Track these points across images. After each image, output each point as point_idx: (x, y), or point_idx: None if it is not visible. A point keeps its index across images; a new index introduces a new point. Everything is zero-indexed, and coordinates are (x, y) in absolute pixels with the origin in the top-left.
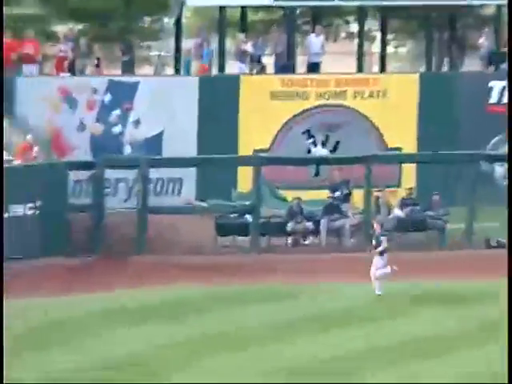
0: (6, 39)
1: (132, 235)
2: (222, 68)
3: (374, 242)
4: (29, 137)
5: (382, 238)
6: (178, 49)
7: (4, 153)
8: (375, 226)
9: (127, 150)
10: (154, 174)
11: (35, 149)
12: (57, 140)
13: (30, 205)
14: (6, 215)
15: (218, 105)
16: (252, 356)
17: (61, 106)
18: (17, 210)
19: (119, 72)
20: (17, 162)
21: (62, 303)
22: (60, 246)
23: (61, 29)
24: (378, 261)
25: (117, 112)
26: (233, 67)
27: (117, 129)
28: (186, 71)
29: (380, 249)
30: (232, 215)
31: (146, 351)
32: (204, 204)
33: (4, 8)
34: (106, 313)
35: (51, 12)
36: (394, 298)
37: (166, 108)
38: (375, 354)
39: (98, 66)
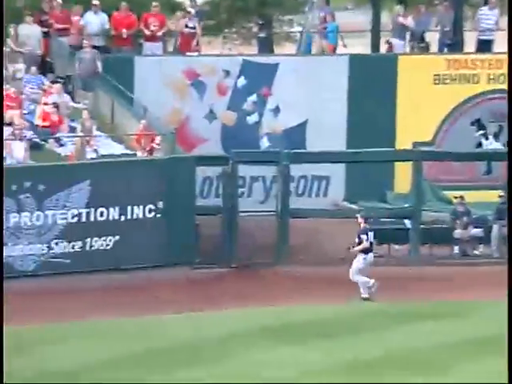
0: (122, 13)
1: (270, 243)
2: (375, 47)
3: (356, 239)
4: (143, 122)
5: (364, 235)
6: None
7: (120, 145)
8: (359, 220)
9: (264, 142)
10: (295, 171)
11: (156, 140)
12: (182, 131)
13: (151, 206)
14: (122, 218)
15: (372, 90)
16: None
17: (187, 91)
18: (135, 212)
19: (255, 51)
20: (139, 154)
21: (191, 321)
22: (186, 254)
23: (188, 1)
24: (357, 260)
25: (252, 98)
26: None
27: (252, 118)
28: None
29: (359, 247)
30: (387, 220)
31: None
32: (354, 206)
33: None
34: (241, 332)
35: None
36: None
37: (310, 93)
38: None
39: None
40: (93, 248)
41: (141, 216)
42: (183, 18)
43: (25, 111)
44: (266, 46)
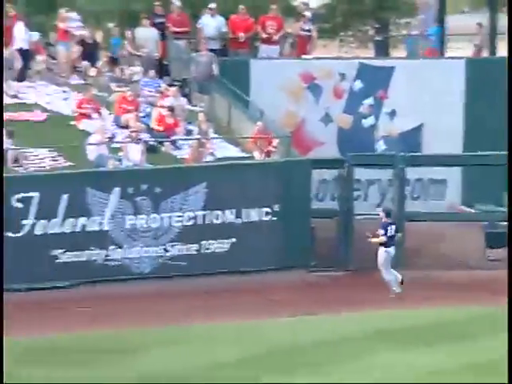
0: (238, 13)
1: None
2: (493, 49)
3: (379, 231)
4: (259, 124)
5: (383, 230)
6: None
7: (236, 148)
8: (380, 214)
9: (380, 145)
10: (412, 174)
11: (274, 143)
12: (298, 133)
13: (267, 209)
14: (238, 221)
15: (488, 93)
16: None
17: (303, 94)
18: (251, 215)
19: (371, 54)
20: (256, 157)
21: (307, 323)
22: (301, 257)
23: (304, 4)
24: (381, 253)
25: (369, 101)
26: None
27: (368, 121)
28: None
29: (376, 239)
30: (504, 223)
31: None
32: (471, 210)
33: None
34: (356, 335)
35: None
36: None
37: (426, 97)
38: None
39: None
40: (209, 250)
41: (257, 219)
42: (299, 21)
43: (141, 114)
44: (382, 49)
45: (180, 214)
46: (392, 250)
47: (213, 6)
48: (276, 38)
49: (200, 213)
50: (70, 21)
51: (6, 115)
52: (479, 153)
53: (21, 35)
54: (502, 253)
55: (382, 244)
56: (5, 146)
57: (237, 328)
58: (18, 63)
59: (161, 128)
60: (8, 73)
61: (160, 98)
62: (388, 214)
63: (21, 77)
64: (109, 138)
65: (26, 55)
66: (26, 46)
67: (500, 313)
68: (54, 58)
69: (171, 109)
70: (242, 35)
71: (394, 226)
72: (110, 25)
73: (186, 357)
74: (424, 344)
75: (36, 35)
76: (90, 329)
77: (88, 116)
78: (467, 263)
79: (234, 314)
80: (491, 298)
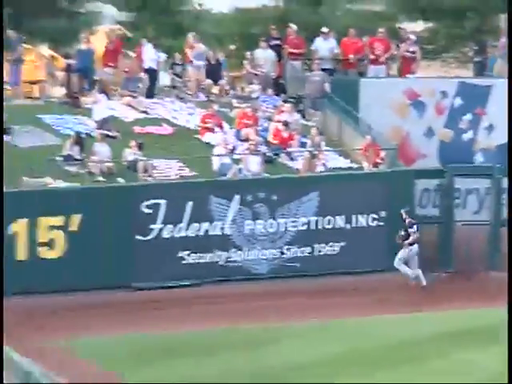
0: (350, 36)
1: (483, 251)
2: None
3: (402, 232)
4: (368, 138)
5: (412, 228)
6: None
7: (346, 160)
8: (404, 215)
9: (478, 157)
10: (507, 184)
11: (381, 155)
12: (403, 146)
13: (374, 215)
14: (348, 226)
15: None
16: None
17: (407, 110)
18: (359, 220)
19: (470, 74)
20: (366, 167)
21: (409, 321)
22: None
23: (409, 27)
24: (403, 250)
25: (468, 117)
26: None
27: (467, 135)
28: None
29: (410, 240)
30: None
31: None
32: None
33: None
34: (457, 332)
35: (400, 9)
36: None
37: None
38: None
39: None
40: (321, 253)
41: (364, 224)
42: (404, 44)
43: (259, 128)
44: (481, 69)
45: (294, 219)
46: (416, 247)
47: (325, 29)
48: (383, 59)
49: (313, 218)
50: (196, 45)
51: (137, 129)
52: None
53: (150, 56)
54: None
55: (410, 242)
56: (135, 157)
57: (348, 324)
58: (147, 81)
59: (277, 141)
60: (139, 90)
61: (276, 113)
62: (409, 214)
63: (149, 94)
64: (230, 150)
65: (154, 74)
66: (154, 66)
67: None
68: (179, 77)
69: (286, 123)
70: (351, 56)
71: (416, 226)
72: (232, 47)
73: (300, 350)
74: None
75: (163, 56)
76: (214, 324)
77: (211, 130)
78: None
79: (344, 312)
80: None
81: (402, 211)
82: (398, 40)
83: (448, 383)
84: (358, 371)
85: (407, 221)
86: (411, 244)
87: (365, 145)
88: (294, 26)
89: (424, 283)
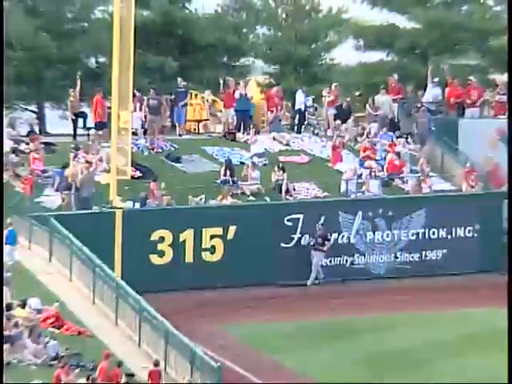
0: (452, 84)
1: None
2: None
3: (319, 240)
4: (468, 165)
5: (327, 240)
6: None
7: (448, 183)
8: (318, 228)
9: None
10: None
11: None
12: (494, 173)
13: (470, 228)
14: (449, 236)
15: None
16: None
17: (497, 144)
18: (458, 232)
19: None
20: (464, 189)
21: (500, 313)
22: (496, 263)
23: (499, 77)
24: (320, 255)
25: None
26: None
27: None
28: None
29: (325, 248)
30: None
31: None
32: None
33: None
34: None
35: (491, 62)
36: None
37: None
38: None
39: None
40: (427, 258)
41: (462, 235)
42: (496, 91)
43: (378, 158)
44: None
45: (406, 231)
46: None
47: (436, 79)
48: (478, 103)
49: (421, 230)
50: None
51: (281, 158)
52: None
53: (300, 99)
54: None
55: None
56: (277, 178)
57: (441, 315)
58: (298, 120)
59: (391, 169)
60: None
61: (391, 146)
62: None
63: (299, 130)
64: (355, 175)
65: (302, 115)
66: (302, 108)
67: None
68: (313, 115)
69: (399, 154)
70: (452, 100)
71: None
72: (357, 93)
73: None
74: None
75: (310, 100)
76: (342, 314)
77: (340, 159)
78: None
79: (441, 305)
80: None
81: (318, 225)
82: (490, 88)
83: None
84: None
85: (320, 233)
86: (324, 251)
87: (465, 170)
88: (395, 76)
89: (308, 283)
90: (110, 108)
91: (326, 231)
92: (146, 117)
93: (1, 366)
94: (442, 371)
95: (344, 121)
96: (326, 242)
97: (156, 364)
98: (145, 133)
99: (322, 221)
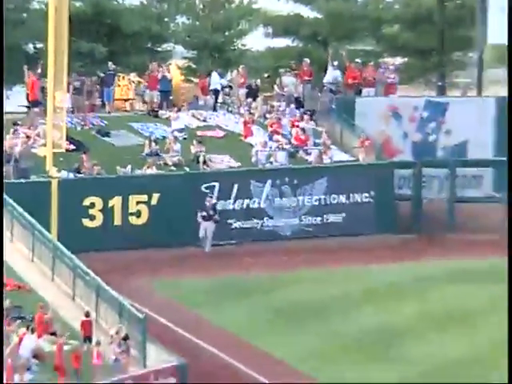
0: (349, 67)
1: (443, 219)
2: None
3: (204, 213)
4: (362, 134)
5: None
6: (479, 77)
7: (346, 154)
8: (207, 201)
9: (440, 153)
10: (460, 171)
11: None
12: (386, 145)
13: (366, 194)
14: (347, 201)
15: (510, 119)
16: None
17: (389, 120)
18: (356, 197)
19: (434, 94)
20: (360, 159)
21: (393, 268)
22: (388, 226)
23: (391, 61)
24: (211, 225)
25: (432, 124)
26: None
27: (432, 137)
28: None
29: (215, 218)
30: None
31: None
32: (499, 195)
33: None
34: (425, 275)
35: (384, 48)
36: None
37: (469, 122)
38: None
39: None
40: (328, 221)
41: (359, 200)
42: (387, 73)
43: (285, 132)
44: (442, 91)
45: (309, 197)
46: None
47: (336, 63)
48: (372, 83)
49: (322, 196)
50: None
51: (199, 133)
52: (503, 158)
53: (215, 81)
54: None
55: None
56: (196, 151)
57: (341, 272)
58: (213, 99)
59: (297, 142)
60: (204, 107)
61: (297, 122)
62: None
63: (214, 108)
64: (264, 147)
65: (218, 94)
66: (218, 88)
67: None
68: (228, 95)
69: (303, 129)
70: (350, 81)
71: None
72: (265, 74)
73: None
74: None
75: (224, 81)
76: (255, 271)
77: (251, 133)
78: (495, 230)
79: (341, 263)
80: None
81: (207, 198)
82: (383, 70)
83: None
84: (357, 304)
85: (209, 204)
86: (216, 221)
87: (359, 142)
88: (307, 60)
89: (206, 250)
90: (44, 88)
91: (214, 202)
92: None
93: (1, 366)
94: (344, 320)
95: (254, 99)
96: (215, 212)
97: (87, 315)
98: (73, 111)
99: (211, 194)
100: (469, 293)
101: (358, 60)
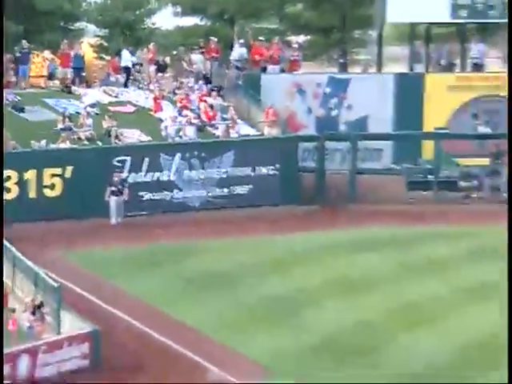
0: (255, 45)
1: (345, 190)
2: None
3: (113, 188)
4: (268, 108)
5: (124, 186)
6: (379, 54)
7: (252, 129)
8: (116, 178)
9: (342, 127)
10: (361, 145)
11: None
12: (291, 120)
13: (271, 167)
14: (253, 174)
15: (408, 95)
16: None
17: (294, 96)
18: (262, 170)
19: (336, 71)
20: (266, 133)
21: (298, 238)
22: (293, 197)
23: (294, 39)
24: (119, 199)
25: (334, 100)
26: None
27: (334, 112)
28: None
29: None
30: (418, 175)
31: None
32: (398, 167)
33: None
34: (327, 244)
35: (287, 26)
36: None
37: (370, 97)
38: None
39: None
40: (235, 193)
41: (265, 172)
42: (292, 51)
43: (193, 107)
44: (343, 68)
45: (217, 169)
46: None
47: (242, 41)
48: (277, 61)
49: (230, 169)
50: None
51: (111, 108)
52: (403, 132)
53: (126, 58)
54: (417, 193)
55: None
56: (108, 125)
57: (248, 242)
58: (124, 76)
59: (205, 116)
60: (116, 84)
61: (205, 97)
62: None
63: (126, 85)
64: (173, 122)
65: (129, 71)
66: (129, 65)
67: (413, 234)
68: (139, 72)
69: (211, 105)
70: (256, 58)
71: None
72: (174, 52)
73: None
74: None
75: (134, 59)
76: (165, 241)
77: (161, 108)
78: (395, 200)
79: (248, 233)
80: (406, 223)
81: (115, 174)
82: (287, 48)
83: None
84: (264, 273)
85: (116, 180)
86: (125, 195)
87: (265, 115)
88: (214, 39)
89: (112, 222)
90: None
91: (124, 177)
92: None
93: (1, 366)
94: (252, 289)
95: (163, 76)
96: (124, 187)
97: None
98: None
99: (122, 167)
100: (371, 261)
101: (261, 38)
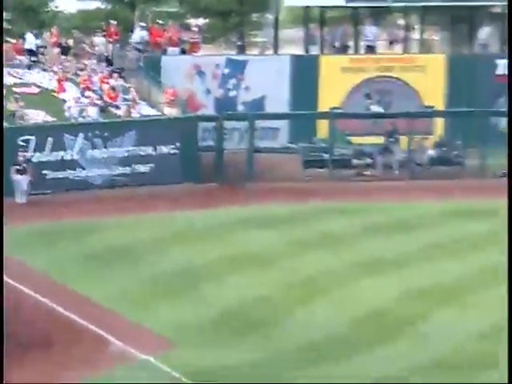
0: (155, 28)
1: (243, 169)
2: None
3: (18, 167)
4: (167, 90)
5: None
6: (275, 36)
7: (153, 109)
8: (21, 157)
9: (240, 108)
10: (259, 124)
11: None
12: (191, 100)
13: (172, 146)
14: (155, 153)
15: (304, 76)
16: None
17: (193, 77)
18: (163, 149)
19: (234, 53)
20: (167, 113)
21: (197, 215)
22: (193, 175)
23: (194, 22)
24: (25, 178)
25: (233, 81)
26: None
27: (233, 93)
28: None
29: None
30: (314, 154)
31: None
32: (294, 146)
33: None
34: (227, 221)
35: (187, 9)
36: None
37: (267, 78)
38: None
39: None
40: (137, 171)
41: (166, 151)
42: (191, 33)
43: (96, 88)
44: (241, 50)
45: (120, 149)
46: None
47: (142, 24)
48: (176, 43)
49: (132, 148)
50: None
51: (16, 90)
52: (299, 112)
53: (31, 41)
54: (313, 171)
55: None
56: (14, 108)
57: (149, 218)
58: (28, 58)
59: (107, 97)
60: (20, 66)
61: (107, 79)
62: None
63: (29, 67)
64: (77, 103)
65: (33, 53)
66: (33, 48)
67: (310, 209)
68: (42, 54)
69: (113, 87)
70: (157, 40)
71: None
72: (76, 35)
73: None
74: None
75: (39, 42)
76: (69, 219)
77: (64, 90)
78: (292, 178)
79: (149, 211)
80: (303, 199)
81: (18, 153)
82: (186, 31)
83: None
84: (165, 248)
85: (21, 159)
86: (29, 174)
87: (165, 98)
88: (114, 22)
89: (21, 201)
90: None
91: (28, 156)
92: None
93: (1, 366)
94: (153, 263)
95: (66, 58)
96: (28, 166)
97: None
98: None
99: (26, 147)
100: (269, 237)
101: (159, 21)
